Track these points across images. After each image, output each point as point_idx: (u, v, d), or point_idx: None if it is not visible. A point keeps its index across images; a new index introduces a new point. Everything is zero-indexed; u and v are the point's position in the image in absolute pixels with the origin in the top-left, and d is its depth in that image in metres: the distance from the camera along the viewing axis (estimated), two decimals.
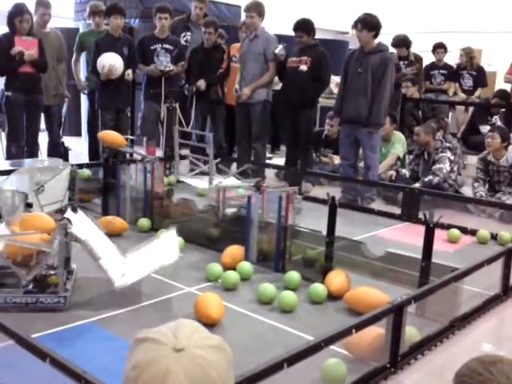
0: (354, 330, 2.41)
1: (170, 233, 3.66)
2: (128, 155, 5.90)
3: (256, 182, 4.30)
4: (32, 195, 4.40)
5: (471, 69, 8.78)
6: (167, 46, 6.62)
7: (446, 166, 5.95)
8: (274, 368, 2.08)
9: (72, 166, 5.04)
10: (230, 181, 4.71)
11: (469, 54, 8.78)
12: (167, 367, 0.99)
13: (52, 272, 3.22)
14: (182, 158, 5.51)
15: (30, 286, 3.09)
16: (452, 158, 6.04)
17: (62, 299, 3.07)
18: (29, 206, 4.34)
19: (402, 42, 7.99)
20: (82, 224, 3.34)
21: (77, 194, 4.92)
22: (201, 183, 4.61)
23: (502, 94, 8.07)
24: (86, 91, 7.17)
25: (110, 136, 5.05)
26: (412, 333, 2.84)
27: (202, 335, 1.05)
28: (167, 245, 3.50)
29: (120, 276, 3.20)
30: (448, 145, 6.17)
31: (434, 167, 5.97)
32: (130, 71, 6.36)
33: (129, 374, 1.02)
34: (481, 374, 1.29)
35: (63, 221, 3.10)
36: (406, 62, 8.09)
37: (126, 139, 5.39)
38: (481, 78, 8.90)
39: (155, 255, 3.41)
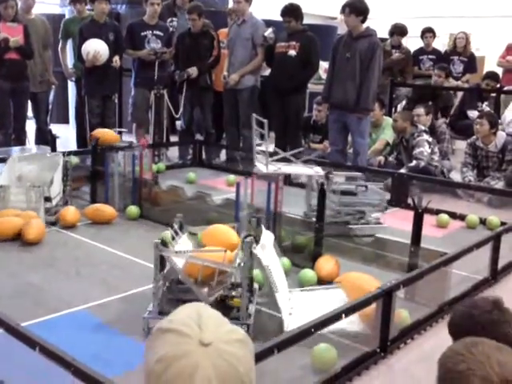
0: (343, 315, 2.42)
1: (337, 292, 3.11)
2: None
3: (326, 172, 4.16)
4: (46, 190, 4.39)
5: (464, 55, 8.78)
6: (158, 33, 6.56)
7: (426, 149, 5.96)
8: (265, 353, 2.08)
9: (63, 154, 4.92)
10: (294, 168, 4.37)
11: (467, 40, 8.79)
12: (195, 362, 0.96)
13: (234, 293, 2.87)
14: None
15: None
16: (430, 139, 6.05)
17: (244, 327, 2.59)
18: (48, 199, 4.37)
19: (399, 30, 8.08)
20: (265, 243, 2.94)
21: (70, 186, 4.78)
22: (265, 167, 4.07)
23: (493, 75, 8.09)
24: (73, 78, 7.11)
25: (102, 134, 5.08)
26: (404, 315, 2.87)
27: (226, 328, 1.03)
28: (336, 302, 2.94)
29: (287, 314, 2.86)
30: (423, 128, 6.17)
31: (414, 152, 5.97)
32: (117, 58, 6.30)
33: (153, 366, 0.99)
34: (462, 354, 1.32)
35: (249, 238, 2.73)
36: (397, 51, 8.14)
37: (119, 133, 5.39)
38: (472, 63, 8.90)
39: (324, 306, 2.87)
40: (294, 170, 4.38)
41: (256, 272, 3.34)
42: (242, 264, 2.73)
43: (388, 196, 4.56)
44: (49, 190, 4.42)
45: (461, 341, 1.41)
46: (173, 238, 2.96)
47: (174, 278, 2.85)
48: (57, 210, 4.45)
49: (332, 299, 2.99)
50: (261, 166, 4.06)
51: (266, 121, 4.16)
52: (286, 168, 4.18)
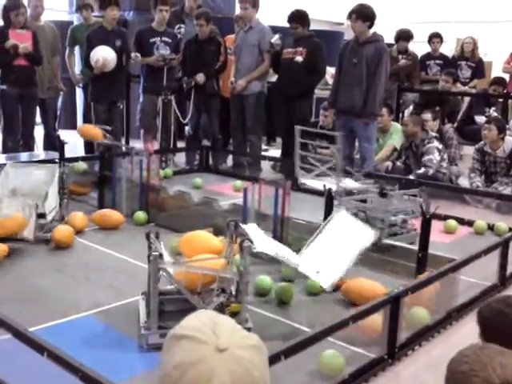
0: (351, 322, 2.41)
1: (340, 215, 3.31)
2: (124, 148, 5.87)
3: (380, 187, 4.15)
4: (40, 205, 4.09)
5: (472, 60, 8.76)
6: (166, 39, 6.59)
7: (436, 156, 5.94)
8: (271, 360, 2.07)
9: (63, 164, 4.72)
10: (351, 183, 4.47)
11: (475, 45, 8.78)
12: (212, 368, 0.97)
13: (232, 299, 2.85)
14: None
15: None
16: (440, 146, 6.03)
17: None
18: (42, 216, 4.10)
19: (405, 35, 8.07)
20: (256, 235, 2.94)
21: (67, 199, 4.48)
22: (325, 185, 4.05)
23: (500, 80, 8.07)
24: (80, 84, 7.15)
25: (85, 128, 5.03)
26: (423, 315, 2.87)
27: (241, 334, 1.04)
28: (349, 226, 3.20)
29: (316, 274, 2.98)
30: (434, 134, 6.16)
31: (423, 159, 5.95)
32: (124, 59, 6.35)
33: (170, 372, 0.99)
34: (467, 356, 1.34)
35: (245, 243, 2.69)
36: (403, 56, 8.14)
37: (105, 132, 5.34)
38: (480, 68, 8.88)
39: (344, 239, 3.12)
40: (354, 185, 4.46)
41: (262, 278, 3.35)
42: (243, 269, 2.71)
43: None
44: (43, 205, 4.12)
45: (471, 345, 1.42)
46: (149, 248, 2.87)
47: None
48: (52, 227, 4.13)
49: (344, 226, 3.21)
50: (310, 181, 4.07)
51: (341, 134, 4.45)
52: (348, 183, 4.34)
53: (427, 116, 6.51)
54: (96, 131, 5.28)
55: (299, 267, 2.90)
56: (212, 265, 2.81)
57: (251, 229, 3.00)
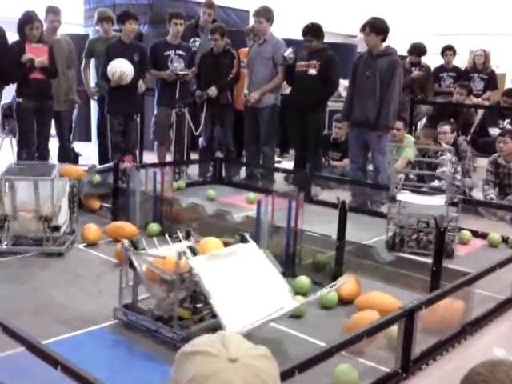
0: (365, 336, 2.40)
1: (250, 247, 3.09)
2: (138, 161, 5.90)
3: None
4: (54, 219, 4.12)
5: (485, 72, 8.75)
6: (180, 52, 6.66)
7: (449, 168, 5.92)
8: (285, 375, 2.07)
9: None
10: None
11: (486, 57, 8.78)
12: (227, 378, 0.99)
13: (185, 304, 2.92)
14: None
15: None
16: (453, 159, 6.01)
17: (175, 336, 2.77)
18: (56, 229, 4.13)
19: (417, 50, 8.11)
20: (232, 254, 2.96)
21: (75, 213, 4.49)
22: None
23: (511, 92, 8.04)
24: (95, 97, 7.21)
25: (68, 170, 4.93)
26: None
27: (248, 345, 1.07)
28: (262, 270, 2.97)
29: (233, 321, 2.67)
30: (447, 147, 6.14)
31: (437, 171, 5.93)
32: (141, 83, 6.48)
33: None
34: (480, 374, 1.32)
35: (180, 254, 2.76)
36: (416, 68, 8.15)
37: (84, 170, 5.32)
38: (492, 81, 8.86)
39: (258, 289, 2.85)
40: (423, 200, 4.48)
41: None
42: (181, 275, 2.75)
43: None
44: (57, 219, 4.15)
45: (481, 362, 1.41)
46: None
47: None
48: (65, 240, 4.24)
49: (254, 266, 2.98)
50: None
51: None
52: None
53: (445, 128, 6.49)
54: (78, 172, 5.21)
55: (210, 300, 2.65)
56: (170, 263, 2.85)
57: (248, 247, 3.02)
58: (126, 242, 3.02)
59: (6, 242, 4.08)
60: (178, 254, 2.76)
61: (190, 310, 2.90)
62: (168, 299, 2.88)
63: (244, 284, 2.85)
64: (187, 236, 3.22)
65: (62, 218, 4.27)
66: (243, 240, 3.09)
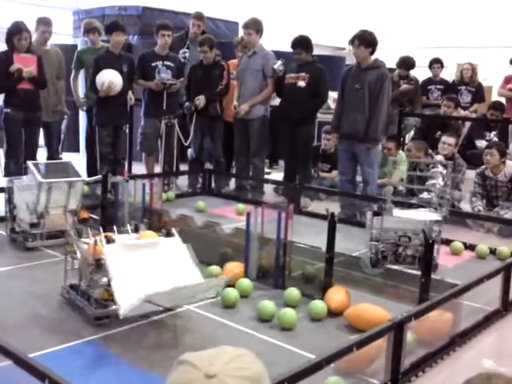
0: (355, 348, 2.40)
1: (172, 240, 3.42)
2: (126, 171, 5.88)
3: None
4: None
5: (472, 85, 8.84)
6: (168, 63, 6.67)
7: (440, 181, 5.95)
8: None
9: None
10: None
11: (473, 70, 8.87)
12: None
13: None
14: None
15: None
16: (444, 172, 6.04)
17: (92, 314, 3.19)
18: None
19: (405, 64, 8.16)
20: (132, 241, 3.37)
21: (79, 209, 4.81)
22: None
23: (497, 104, 8.14)
24: (84, 108, 7.19)
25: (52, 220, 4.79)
26: None
27: (238, 365, 1.05)
28: (174, 255, 3.32)
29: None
30: (438, 159, 6.16)
31: (427, 183, 5.96)
32: (131, 95, 6.47)
33: None
34: None
35: (96, 241, 3.16)
36: (405, 81, 8.21)
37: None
38: (480, 93, 8.96)
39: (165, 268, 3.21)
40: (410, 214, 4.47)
41: (265, 303, 3.33)
42: (98, 260, 3.14)
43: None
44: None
45: (477, 374, 1.41)
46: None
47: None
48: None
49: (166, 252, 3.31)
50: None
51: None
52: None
53: (451, 140, 6.50)
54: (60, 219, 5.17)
55: (112, 282, 3.04)
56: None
57: (171, 241, 3.36)
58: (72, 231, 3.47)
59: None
60: (94, 241, 3.16)
61: (108, 292, 3.19)
62: (91, 281, 3.24)
63: (153, 270, 3.17)
64: (136, 230, 3.55)
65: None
66: (168, 234, 3.42)
